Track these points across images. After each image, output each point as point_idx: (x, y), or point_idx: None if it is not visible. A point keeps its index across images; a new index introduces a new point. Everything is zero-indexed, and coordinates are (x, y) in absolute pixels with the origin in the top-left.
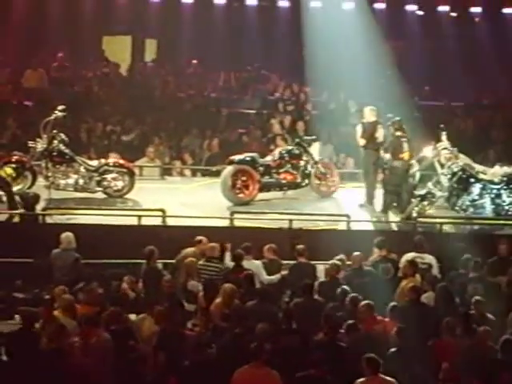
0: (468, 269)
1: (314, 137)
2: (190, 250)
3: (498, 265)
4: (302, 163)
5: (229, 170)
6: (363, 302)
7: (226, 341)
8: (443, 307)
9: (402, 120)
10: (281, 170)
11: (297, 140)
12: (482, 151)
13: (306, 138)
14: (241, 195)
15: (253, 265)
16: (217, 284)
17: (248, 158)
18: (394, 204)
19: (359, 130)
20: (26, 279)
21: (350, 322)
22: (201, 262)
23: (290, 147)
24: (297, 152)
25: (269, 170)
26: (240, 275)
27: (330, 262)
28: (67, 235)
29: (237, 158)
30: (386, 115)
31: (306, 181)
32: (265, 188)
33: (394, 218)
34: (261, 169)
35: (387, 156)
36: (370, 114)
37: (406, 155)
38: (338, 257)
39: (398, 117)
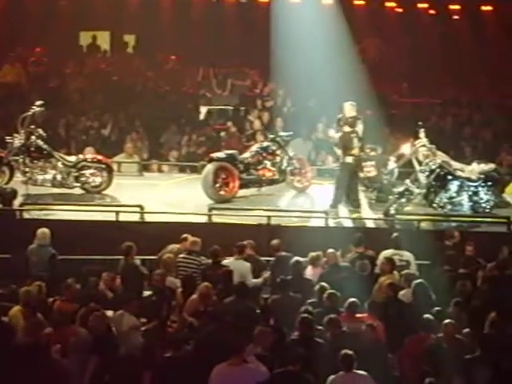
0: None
1: (290, 133)
2: (174, 246)
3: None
4: (278, 159)
5: (209, 167)
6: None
7: (203, 337)
8: (420, 304)
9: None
10: (259, 167)
11: (272, 136)
12: (460, 148)
13: (281, 134)
14: (222, 192)
15: (242, 265)
16: (195, 280)
17: (227, 156)
18: (344, 200)
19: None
20: (3, 275)
21: (331, 316)
22: (181, 255)
23: (265, 144)
24: (273, 148)
25: (248, 166)
26: (218, 272)
27: (295, 258)
28: (43, 231)
29: (217, 155)
30: (364, 112)
31: (283, 177)
32: (245, 185)
33: (372, 214)
34: (240, 166)
35: (338, 152)
36: (349, 110)
37: (355, 151)
38: (312, 253)
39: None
